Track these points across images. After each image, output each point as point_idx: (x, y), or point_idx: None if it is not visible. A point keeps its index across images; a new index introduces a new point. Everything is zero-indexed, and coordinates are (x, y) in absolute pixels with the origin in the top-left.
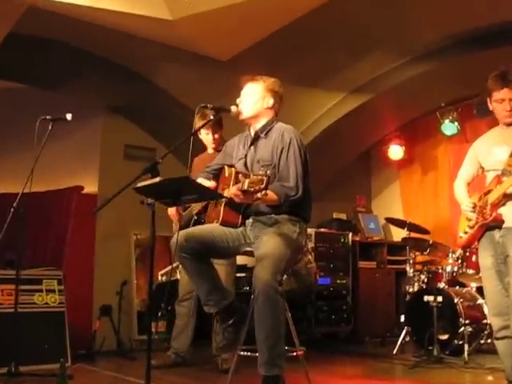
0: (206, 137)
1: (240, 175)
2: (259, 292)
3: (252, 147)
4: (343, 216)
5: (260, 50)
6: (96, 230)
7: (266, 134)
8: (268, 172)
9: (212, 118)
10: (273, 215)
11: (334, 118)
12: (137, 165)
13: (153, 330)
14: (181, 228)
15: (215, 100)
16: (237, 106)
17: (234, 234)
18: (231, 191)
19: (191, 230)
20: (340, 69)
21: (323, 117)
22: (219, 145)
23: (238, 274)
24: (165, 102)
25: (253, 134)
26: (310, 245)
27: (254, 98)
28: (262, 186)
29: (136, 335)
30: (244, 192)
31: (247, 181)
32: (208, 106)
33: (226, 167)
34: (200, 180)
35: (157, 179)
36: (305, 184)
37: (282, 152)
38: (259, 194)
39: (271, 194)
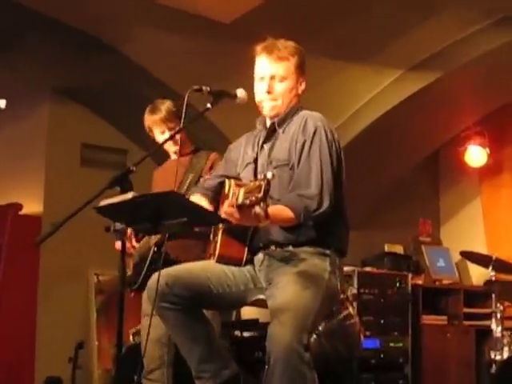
0: (162, 138)
1: (237, 186)
2: (277, 360)
3: (265, 146)
4: (399, 249)
5: (277, 8)
6: (40, 268)
7: (285, 126)
8: (269, 174)
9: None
10: (290, 247)
11: (385, 107)
12: (99, 173)
13: None
14: (135, 266)
15: (213, 81)
16: (244, 89)
17: (239, 276)
18: (223, 209)
19: (176, 269)
20: (394, 35)
21: (368, 106)
22: (186, 145)
23: (246, 334)
24: (140, 84)
25: (268, 126)
26: (351, 291)
27: (289, 85)
28: (260, 195)
29: None
30: (239, 207)
31: (242, 190)
32: (203, 88)
33: (226, 180)
34: (193, 198)
35: (129, 195)
36: (336, 194)
37: (303, 146)
38: (257, 208)
39: (281, 210)
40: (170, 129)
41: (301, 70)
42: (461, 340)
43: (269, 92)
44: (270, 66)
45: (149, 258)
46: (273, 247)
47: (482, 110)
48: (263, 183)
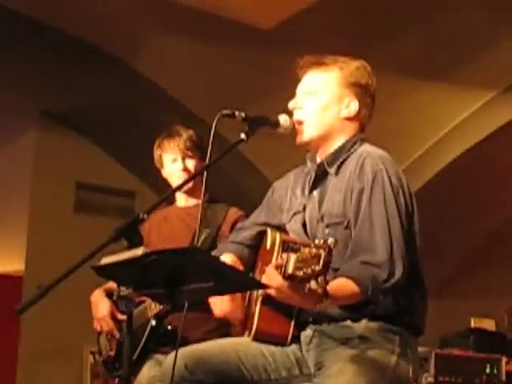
0: (172, 168)
1: (285, 244)
2: None
3: (315, 193)
4: (489, 325)
5: (329, 11)
6: (20, 345)
7: (338, 167)
8: (330, 240)
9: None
10: (348, 322)
11: (472, 139)
12: (99, 222)
13: None
14: (118, 345)
15: (247, 104)
16: (289, 114)
17: (280, 359)
18: (266, 278)
19: (197, 349)
20: (484, 47)
21: (450, 137)
22: (200, 191)
23: None
24: (153, 105)
25: (315, 167)
26: (426, 379)
27: (322, 101)
28: (318, 268)
29: None
30: (289, 279)
31: (293, 258)
32: (236, 114)
33: (269, 231)
34: (223, 258)
35: (139, 251)
36: (409, 256)
37: (360, 197)
38: (313, 284)
39: (343, 284)
40: (186, 158)
41: (350, 86)
42: None
43: (293, 108)
44: (304, 80)
45: (145, 334)
46: (325, 322)
47: None
48: (323, 253)
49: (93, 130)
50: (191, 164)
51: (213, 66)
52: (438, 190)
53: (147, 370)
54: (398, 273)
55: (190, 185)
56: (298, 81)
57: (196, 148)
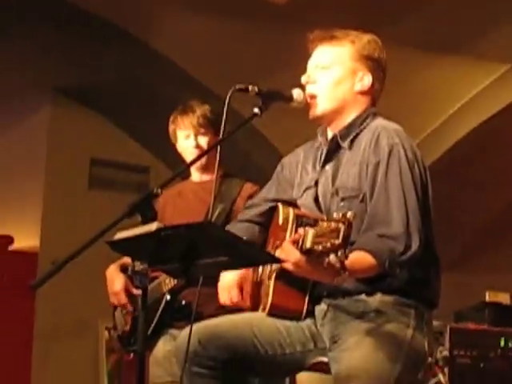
0: (185, 144)
1: (299, 218)
2: None
3: (327, 167)
4: (505, 298)
5: None
6: (35, 320)
7: (351, 141)
8: (349, 214)
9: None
10: (363, 296)
11: (487, 112)
12: (113, 197)
13: None
14: (133, 320)
15: (262, 79)
16: (302, 89)
17: (295, 333)
18: (283, 253)
19: (211, 324)
20: (498, 19)
21: (465, 111)
22: (214, 166)
23: None
24: (169, 82)
25: (327, 142)
26: (442, 353)
27: (335, 75)
28: (338, 242)
29: None
30: (307, 253)
31: (311, 232)
32: (250, 88)
33: (281, 206)
34: (238, 227)
35: (153, 226)
36: (424, 231)
37: (376, 171)
38: (333, 257)
39: (361, 258)
40: (199, 134)
41: (363, 59)
42: None
43: (306, 82)
44: (315, 55)
45: (160, 309)
46: (340, 296)
47: None
48: (342, 226)
49: (107, 107)
50: (204, 141)
51: (227, 42)
52: (451, 165)
53: (162, 345)
54: (415, 245)
55: (204, 160)
56: (310, 56)
57: (210, 124)
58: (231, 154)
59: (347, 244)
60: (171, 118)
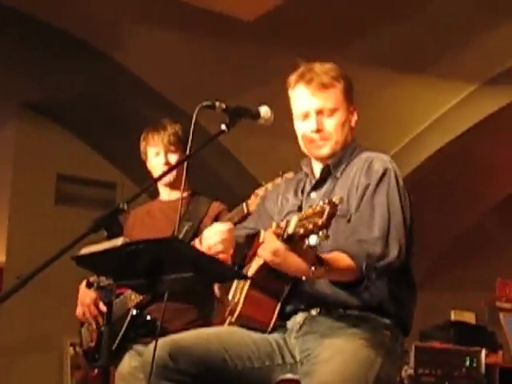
0: (155, 161)
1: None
2: None
3: (314, 194)
4: (469, 318)
5: (308, 7)
6: None
7: (342, 169)
8: (335, 198)
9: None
10: (341, 310)
11: (452, 132)
12: (79, 213)
13: None
14: (99, 336)
15: (229, 96)
16: (269, 106)
17: (263, 347)
18: (264, 241)
19: (181, 337)
20: (464, 40)
21: (430, 131)
22: (181, 180)
23: None
24: (136, 98)
25: (319, 172)
26: (406, 371)
27: (341, 119)
28: (321, 221)
29: None
30: (288, 240)
31: (295, 218)
32: (217, 105)
33: (262, 231)
34: None
35: (119, 241)
36: (406, 251)
37: (365, 190)
38: (313, 239)
39: (338, 257)
40: (169, 152)
41: (350, 96)
42: None
43: (318, 130)
44: (314, 98)
45: (125, 324)
46: (316, 309)
47: None
48: (327, 207)
49: (74, 122)
50: (173, 158)
51: (195, 58)
52: (419, 183)
53: (128, 361)
54: (393, 254)
55: (172, 178)
56: (280, 73)
57: (180, 143)
58: (199, 172)
59: (330, 224)
60: (143, 135)
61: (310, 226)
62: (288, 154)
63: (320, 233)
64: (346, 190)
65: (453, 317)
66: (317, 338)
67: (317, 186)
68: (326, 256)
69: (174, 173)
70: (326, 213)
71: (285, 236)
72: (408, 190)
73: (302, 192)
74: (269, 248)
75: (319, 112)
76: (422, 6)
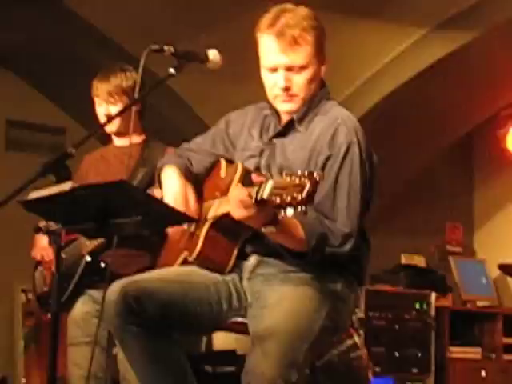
0: (98, 110)
1: (255, 177)
2: None
3: (276, 141)
4: (419, 261)
5: None
6: None
7: (307, 122)
8: (316, 173)
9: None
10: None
11: (403, 75)
12: (28, 158)
13: None
14: (55, 285)
15: (179, 40)
16: (218, 50)
17: (222, 289)
18: (233, 194)
19: (144, 279)
20: None
21: (383, 73)
22: (137, 130)
23: (219, 369)
24: (85, 43)
25: (284, 121)
26: (357, 314)
27: (310, 75)
28: (301, 197)
29: None
30: (260, 203)
31: (270, 182)
32: (165, 48)
33: (224, 162)
34: (169, 173)
35: (66, 185)
36: (362, 220)
37: (326, 163)
38: (290, 211)
39: (294, 224)
40: (110, 103)
41: (322, 49)
42: (499, 379)
43: (286, 88)
44: (285, 55)
45: (79, 270)
46: (273, 255)
47: None
48: (308, 183)
49: (22, 67)
50: (114, 109)
51: (145, 3)
52: (371, 125)
53: (81, 306)
54: (346, 248)
55: (116, 127)
56: (229, 19)
57: (123, 94)
58: (149, 117)
59: (309, 202)
60: (92, 83)
61: (288, 199)
62: (239, 99)
63: (299, 208)
64: (307, 152)
65: (403, 261)
66: (267, 280)
67: (279, 134)
68: (283, 218)
69: (118, 122)
70: (306, 190)
71: (258, 198)
72: (370, 151)
73: (267, 133)
74: (242, 213)
75: (288, 69)
76: None
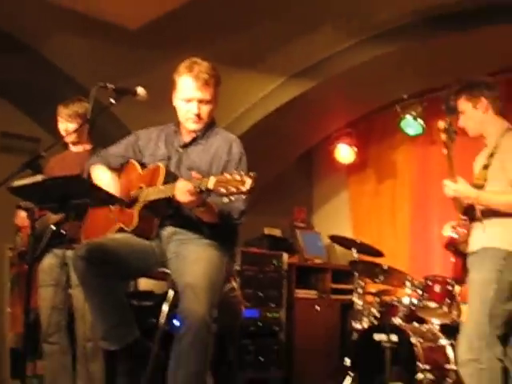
0: (60, 126)
1: (195, 174)
2: (188, 330)
3: (182, 150)
4: (277, 232)
5: (179, 18)
6: None
7: (206, 138)
8: (253, 173)
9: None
10: (204, 229)
11: (269, 108)
12: (16, 159)
13: (30, 372)
14: (30, 245)
15: (119, 80)
16: (144, 88)
17: (150, 251)
18: (181, 185)
19: (100, 240)
20: (278, 46)
21: (255, 107)
22: (87, 141)
23: (143, 303)
24: (54, 80)
25: (186, 136)
26: (235, 268)
27: (212, 107)
28: (245, 189)
29: (10, 380)
30: (201, 193)
31: (213, 178)
32: (108, 85)
33: (134, 162)
34: (101, 169)
35: (39, 177)
36: None
37: (226, 164)
38: (240, 203)
39: (213, 208)
40: (68, 122)
41: (218, 89)
42: (328, 312)
43: (198, 115)
44: (199, 91)
45: (46, 236)
46: (187, 225)
47: (351, 115)
48: (249, 180)
49: (12, 96)
50: (71, 127)
51: (98, 55)
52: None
53: (48, 260)
54: (243, 219)
55: (72, 139)
56: (151, 67)
57: (78, 117)
58: (96, 132)
59: (251, 193)
60: (58, 108)
61: (233, 190)
62: (162, 121)
63: (244, 197)
64: (209, 157)
65: (266, 232)
66: (183, 244)
67: (186, 145)
68: (210, 201)
69: (74, 135)
70: (249, 184)
71: (202, 188)
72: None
73: (173, 145)
74: (187, 198)
75: (200, 101)
76: (254, 23)
